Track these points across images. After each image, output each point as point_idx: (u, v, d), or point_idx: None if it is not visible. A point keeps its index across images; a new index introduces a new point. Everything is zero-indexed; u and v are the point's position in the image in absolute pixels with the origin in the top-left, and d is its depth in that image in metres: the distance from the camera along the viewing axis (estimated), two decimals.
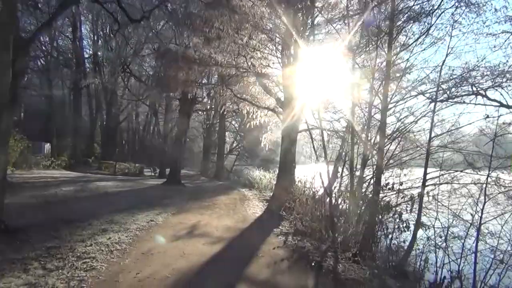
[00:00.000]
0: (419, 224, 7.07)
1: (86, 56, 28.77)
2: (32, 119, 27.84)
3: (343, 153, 9.76)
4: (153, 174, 25.78)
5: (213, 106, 22.77)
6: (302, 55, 11.47)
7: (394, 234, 6.18)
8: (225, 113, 23.41)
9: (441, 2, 7.74)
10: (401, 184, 7.23)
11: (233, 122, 29.82)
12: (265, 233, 7.41)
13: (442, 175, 7.83)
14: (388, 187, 6.69)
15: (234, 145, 35.61)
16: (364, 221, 6.62)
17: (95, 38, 27.39)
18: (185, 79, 12.86)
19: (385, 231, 6.67)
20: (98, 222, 7.25)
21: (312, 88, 11.62)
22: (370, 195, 7.23)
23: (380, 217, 6.34)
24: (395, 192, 7.19)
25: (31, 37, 8.91)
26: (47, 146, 26.13)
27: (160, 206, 10.02)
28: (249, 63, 11.66)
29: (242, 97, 13.70)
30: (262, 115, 16.07)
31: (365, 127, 8.74)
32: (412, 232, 6.84)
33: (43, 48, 25.62)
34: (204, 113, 27.24)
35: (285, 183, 12.26)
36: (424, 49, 8.45)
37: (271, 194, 14.26)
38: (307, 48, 11.98)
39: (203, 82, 12.77)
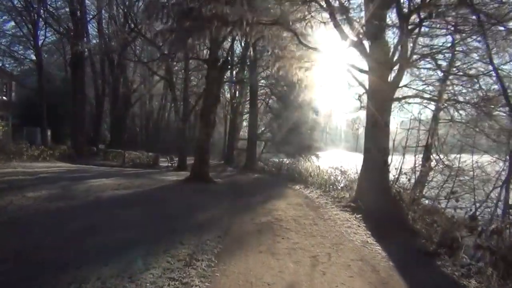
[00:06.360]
0: None
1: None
2: (25, 101, 23.41)
3: None
4: (169, 164, 21.14)
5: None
6: None
7: None
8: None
9: None
10: None
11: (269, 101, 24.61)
12: None
13: None
14: None
15: (262, 129, 30.65)
16: None
17: None
18: (221, 13, 7.81)
19: None
20: None
21: None
22: None
23: None
24: None
25: None
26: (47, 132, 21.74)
27: (189, 233, 5.14)
28: None
29: (308, 45, 8.54)
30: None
31: None
32: None
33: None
34: (232, 87, 22.13)
35: (381, 181, 7.80)
36: None
37: (349, 196, 9.26)
38: None
39: (250, 18, 7.65)
